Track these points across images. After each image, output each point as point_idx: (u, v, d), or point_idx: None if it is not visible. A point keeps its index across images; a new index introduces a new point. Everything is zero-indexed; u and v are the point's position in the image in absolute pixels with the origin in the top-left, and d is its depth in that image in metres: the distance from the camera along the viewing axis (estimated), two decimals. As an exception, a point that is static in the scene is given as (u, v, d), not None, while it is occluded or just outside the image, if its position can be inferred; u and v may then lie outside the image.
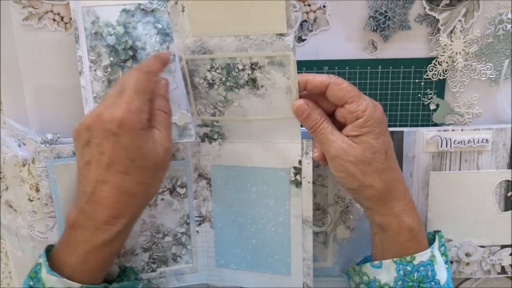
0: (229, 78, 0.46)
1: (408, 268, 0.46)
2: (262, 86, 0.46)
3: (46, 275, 0.43)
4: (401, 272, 0.46)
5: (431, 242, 0.49)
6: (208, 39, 0.44)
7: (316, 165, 0.53)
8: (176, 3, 0.43)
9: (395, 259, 0.47)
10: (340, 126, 0.46)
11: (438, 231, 0.51)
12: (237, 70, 0.45)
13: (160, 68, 0.45)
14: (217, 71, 0.46)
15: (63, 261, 0.43)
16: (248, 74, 0.45)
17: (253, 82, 0.46)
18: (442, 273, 0.47)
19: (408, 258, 0.46)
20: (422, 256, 0.46)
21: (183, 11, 0.43)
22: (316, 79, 0.45)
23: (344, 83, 0.45)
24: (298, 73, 0.45)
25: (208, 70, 0.46)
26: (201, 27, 0.44)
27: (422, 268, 0.46)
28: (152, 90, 0.44)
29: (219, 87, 0.47)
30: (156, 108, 0.45)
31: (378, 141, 0.44)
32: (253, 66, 0.45)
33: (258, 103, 0.47)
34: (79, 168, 0.43)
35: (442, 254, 0.49)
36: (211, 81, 0.47)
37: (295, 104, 0.46)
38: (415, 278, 0.46)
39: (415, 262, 0.46)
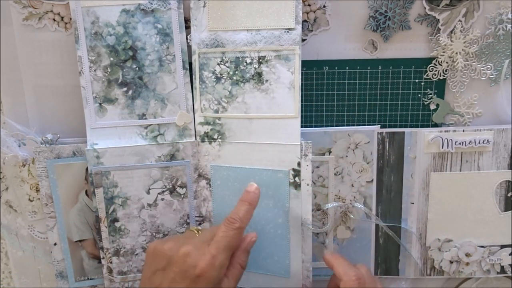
0: (236, 72, 0.49)
1: None
2: (266, 81, 0.48)
3: None
4: None
5: None
6: (222, 32, 0.49)
7: (316, 166, 0.53)
8: None
9: None
10: None
11: None
12: (245, 64, 0.49)
13: (250, 218, 0.47)
14: (226, 64, 0.49)
15: None
16: (255, 68, 0.49)
17: (258, 76, 0.48)
18: None
19: None
20: None
21: (204, 6, 0.48)
22: (338, 269, 0.47)
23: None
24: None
25: (218, 64, 0.49)
26: (217, 22, 0.49)
27: None
28: (238, 245, 0.47)
29: (225, 81, 0.49)
30: (236, 261, 0.47)
31: None
32: (260, 60, 0.48)
33: (261, 98, 0.49)
34: (145, 282, 0.46)
35: None
36: (219, 75, 0.49)
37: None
38: None
39: None
